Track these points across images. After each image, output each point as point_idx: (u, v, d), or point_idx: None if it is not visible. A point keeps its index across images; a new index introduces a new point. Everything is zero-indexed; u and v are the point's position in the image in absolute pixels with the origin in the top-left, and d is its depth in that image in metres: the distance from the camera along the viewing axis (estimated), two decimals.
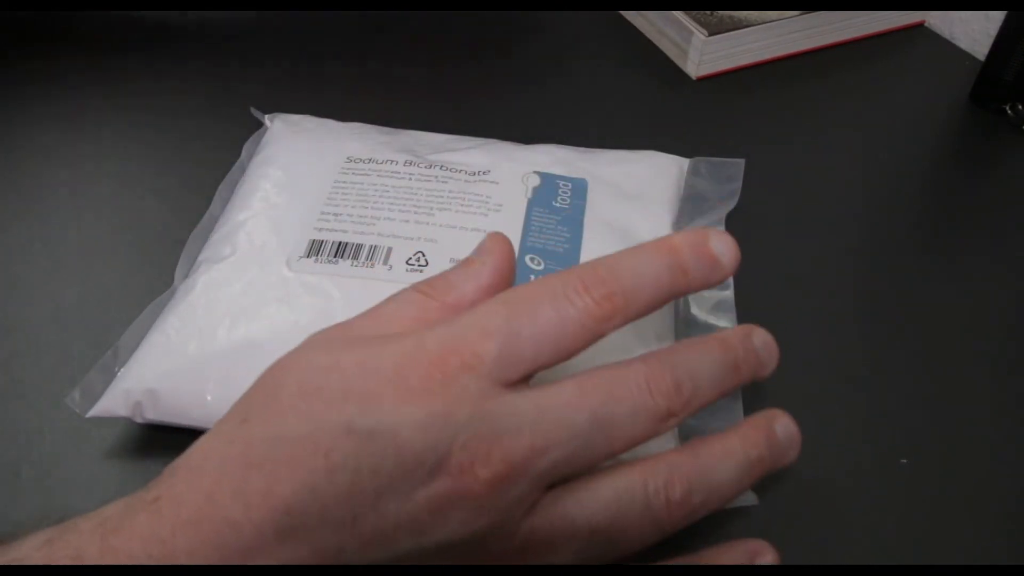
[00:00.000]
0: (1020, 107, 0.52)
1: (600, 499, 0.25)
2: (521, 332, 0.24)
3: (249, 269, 0.36)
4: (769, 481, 0.34)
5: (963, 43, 0.59)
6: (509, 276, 0.28)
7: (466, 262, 0.28)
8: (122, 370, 0.34)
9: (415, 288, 0.27)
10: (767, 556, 0.28)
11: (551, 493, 0.24)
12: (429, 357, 0.23)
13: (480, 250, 0.28)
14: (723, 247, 0.27)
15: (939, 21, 0.61)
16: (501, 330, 0.24)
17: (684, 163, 0.45)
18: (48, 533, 0.22)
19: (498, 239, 0.28)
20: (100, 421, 0.34)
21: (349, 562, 0.22)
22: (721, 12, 0.55)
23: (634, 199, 0.41)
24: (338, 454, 0.22)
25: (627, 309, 0.25)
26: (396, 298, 0.27)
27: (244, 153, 0.45)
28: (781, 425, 0.29)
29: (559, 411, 0.24)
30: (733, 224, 0.43)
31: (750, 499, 0.33)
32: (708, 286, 0.27)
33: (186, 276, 0.38)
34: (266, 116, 0.46)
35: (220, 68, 0.55)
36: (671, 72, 0.56)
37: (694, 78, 0.55)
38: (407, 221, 0.38)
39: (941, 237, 0.45)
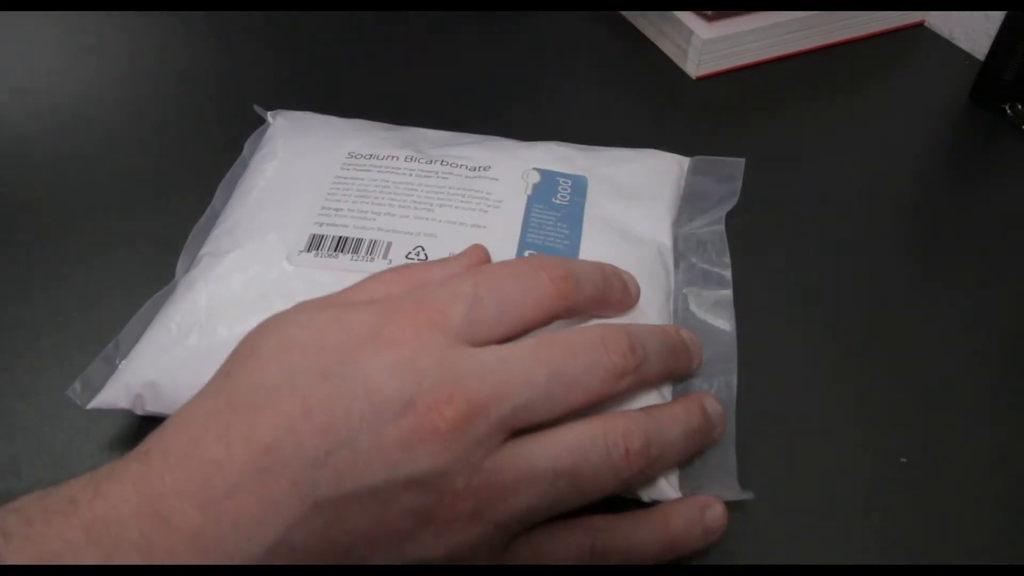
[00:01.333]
0: (1020, 107, 0.52)
1: (562, 444, 0.26)
2: (486, 298, 0.27)
3: (250, 263, 0.36)
4: (769, 480, 0.34)
5: (963, 43, 0.60)
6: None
7: (442, 259, 0.31)
8: (123, 362, 0.34)
9: (393, 269, 0.30)
10: (716, 508, 0.30)
11: (514, 440, 0.26)
12: (401, 313, 0.26)
13: (459, 254, 0.32)
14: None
15: (939, 21, 0.61)
16: (469, 294, 0.27)
17: (685, 162, 0.45)
18: (45, 490, 0.23)
19: (477, 248, 0.32)
20: (101, 413, 0.34)
21: (322, 495, 0.23)
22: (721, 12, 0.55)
23: (634, 197, 0.41)
24: (314, 397, 0.24)
25: (581, 292, 0.30)
26: (375, 276, 0.30)
27: (246, 149, 0.45)
28: (710, 403, 0.32)
29: (519, 363, 0.26)
30: (733, 223, 0.43)
31: (746, 494, 0.33)
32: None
33: (187, 270, 0.38)
34: (268, 113, 0.46)
35: (223, 65, 0.55)
36: (671, 72, 0.56)
37: (694, 78, 0.55)
38: (407, 216, 0.38)
39: (941, 237, 0.45)
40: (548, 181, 0.40)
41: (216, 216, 0.41)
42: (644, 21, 0.59)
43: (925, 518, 0.33)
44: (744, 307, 0.39)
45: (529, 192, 0.40)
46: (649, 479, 0.31)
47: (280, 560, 0.22)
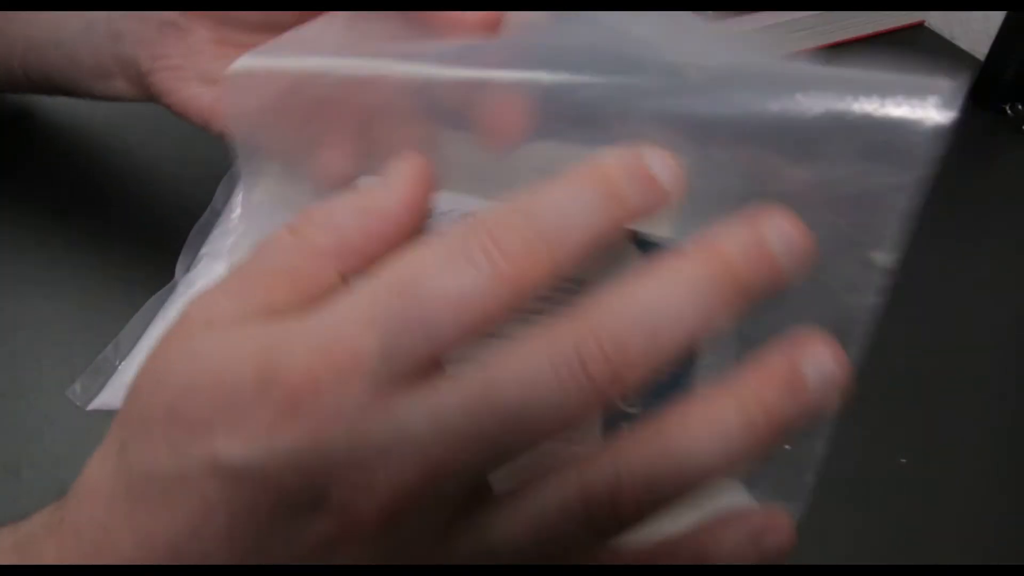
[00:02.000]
0: (1020, 107, 0.52)
1: (527, 522, 0.20)
2: (410, 317, 0.19)
3: None
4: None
5: (963, 43, 0.59)
6: (413, 218, 0.22)
7: (357, 192, 0.22)
8: (123, 363, 0.34)
9: (287, 226, 0.22)
10: (780, 532, 0.23)
11: (467, 516, 0.20)
12: (295, 365, 0.19)
13: (383, 177, 0.22)
14: (661, 165, 0.20)
15: (939, 21, 0.61)
16: (384, 318, 0.19)
17: None
18: None
19: (410, 164, 0.22)
20: (100, 414, 0.34)
21: None
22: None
23: None
24: (211, 494, 0.19)
25: (551, 262, 0.19)
26: (267, 242, 0.22)
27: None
28: (813, 363, 0.21)
29: (459, 419, 0.19)
30: None
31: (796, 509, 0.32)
32: (648, 216, 0.21)
33: (187, 270, 0.38)
34: None
35: None
36: None
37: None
38: None
39: (941, 236, 0.45)
40: None
41: (216, 215, 0.41)
42: None
43: (925, 518, 0.33)
44: None
45: None
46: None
47: None
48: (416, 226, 0.22)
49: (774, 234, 0.20)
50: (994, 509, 0.34)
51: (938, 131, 0.22)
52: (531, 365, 0.19)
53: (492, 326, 0.19)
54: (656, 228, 0.27)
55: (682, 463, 0.19)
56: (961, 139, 0.53)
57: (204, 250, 0.38)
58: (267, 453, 0.19)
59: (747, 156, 0.23)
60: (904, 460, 0.35)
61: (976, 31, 0.59)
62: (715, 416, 0.20)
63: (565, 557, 0.21)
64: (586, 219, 0.20)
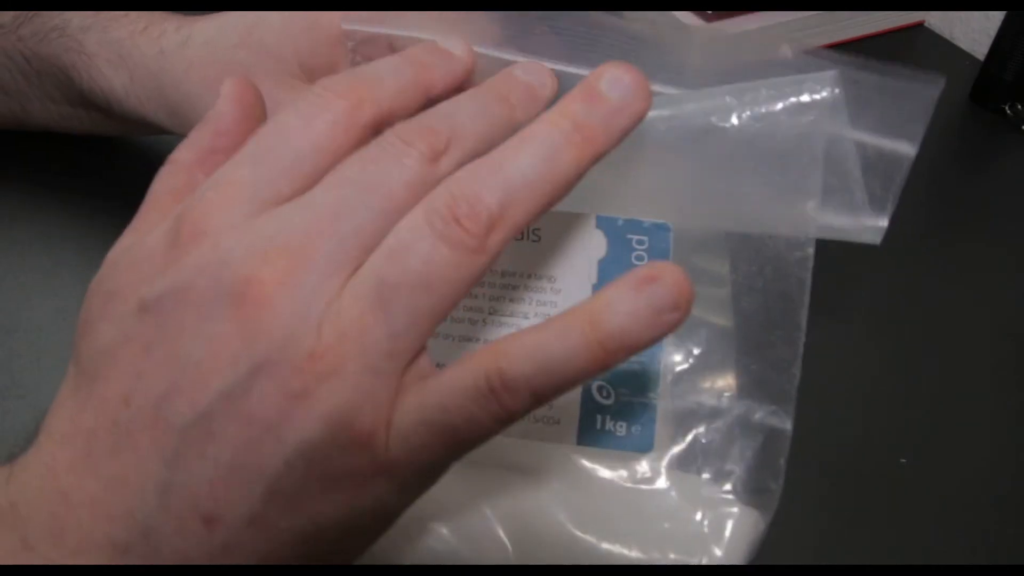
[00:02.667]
0: (1020, 107, 0.52)
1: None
2: (272, 149, 0.23)
3: None
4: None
5: (963, 43, 0.59)
6: (244, 108, 0.26)
7: (204, 121, 0.26)
8: None
9: (165, 162, 0.27)
10: (666, 279, 0.21)
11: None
12: (192, 209, 0.23)
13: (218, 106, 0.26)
14: (532, 74, 0.25)
15: (939, 21, 0.61)
16: (251, 154, 0.23)
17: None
18: None
19: (233, 80, 0.27)
20: None
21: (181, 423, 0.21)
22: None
23: None
24: (146, 334, 0.22)
25: (375, 96, 0.24)
26: (154, 180, 0.27)
27: None
28: (609, 78, 0.23)
29: (323, 202, 0.22)
30: None
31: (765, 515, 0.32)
32: (532, 116, 0.24)
33: None
34: None
35: None
36: None
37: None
38: None
39: (940, 236, 0.45)
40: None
41: None
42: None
43: (925, 518, 0.33)
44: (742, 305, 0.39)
45: None
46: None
47: (175, 498, 0.21)
48: (250, 107, 0.26)
49: (606, 82, 0.23)
50: (994, 509, 0.34)
51: (831, 98, 0.27)
52: (409, 222, 0.21)
53: (340, 156, 0.23)
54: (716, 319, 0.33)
55: (510, 176, 0.22)
56: (961, 139, 0.53)
57: None
58: (178, 273, 0.22)
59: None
60: (904, 460, 0.35)
61: (976, 31, 0.59)
62: (531, 134, 0.22)
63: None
64: (398, 74, 0.25)
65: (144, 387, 0.22)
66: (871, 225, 0.27)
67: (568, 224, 0.30)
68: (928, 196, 0.48)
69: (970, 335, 0.40)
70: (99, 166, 0.47)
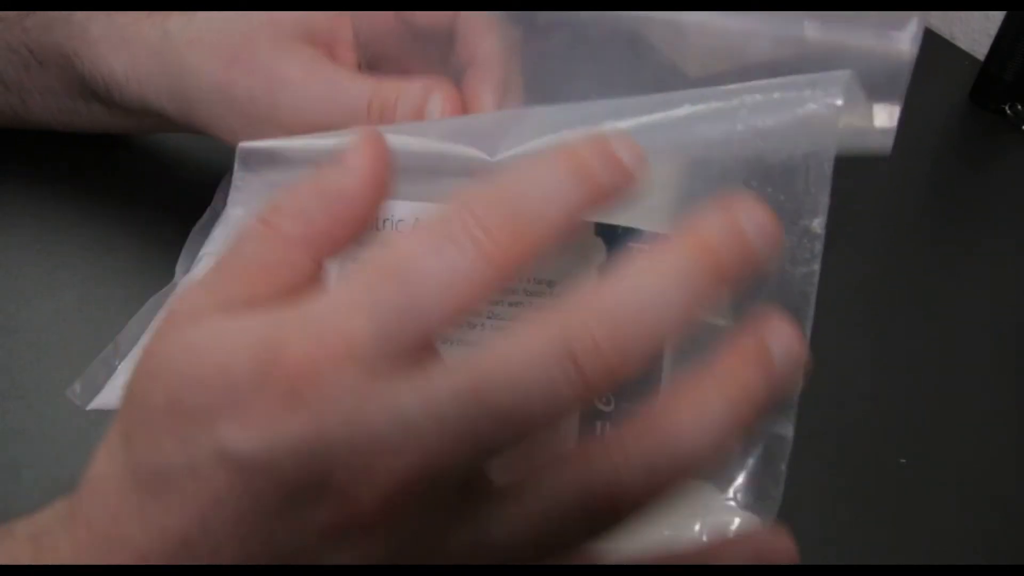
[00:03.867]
0: (1020, 107, 0.52)
1: (526, 517, 0.20)
2: (398, 299, 0.19)
3: None
4: None
5: (963, 43, 0.59)
6: (375, 200, 0.22)
7: (318, 177, 0.22)
8: (123, 363, 0.34)
9: (259, 218, 0.23)
10: (780, 554, 0.23)
11: (465, 502, 0.20)
12: (292, 353, 0.19)
13: (340, 158, 0.22)
14: (626, 148, 0.21)
15: (939, 21, 0.61)
16: (374, 301, 0.19)
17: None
18: None
19: (367, 139, 0.23)
20: (100, 414, 0.34)
21: None
22: None
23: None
24: (217, 484, 0.20)
25: (535, 238, 0.20)
26: (241, 236, 0.23)
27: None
28: (777, 341, 0.21)
29: (451, 410, 0.19)
30: None
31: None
32: (618, 198, 0.21)
33: (187, 270, 0.38)
34: None
35: None
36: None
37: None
38: None
39: (940, 236, 0.45)
40: None
41: (217, 216, 0.41)
42: None
43: (925, 518, 0.33)
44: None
45: None
46: None
47: None
48: (380, 201, 0.22)
49: (749, 221, 0.20)
50: (994, 509, 0.34)
51: (840, 110, 0.26)
52: (522, 359, 0.19)
53: (480, 306, 0.20)
54: (622, 219, 0.29)
55: (676, 452, 0.20)
56: (961, 139, 0.53)
57: (204, 250, 0.38)
58: (270, 442, 0.19)
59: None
60: (904, 460, 0.35)
61: (976, 31, 0.59)
62: (701, 401, 0.20)
63: (562, 555, 0.21)
64: (562, 197, 0.20)
65: (209, 541, 0.20)
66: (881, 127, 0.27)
67: None
68: (928, 196, 0.48)
69: (970, 335, 0.40)
70: (100, 166, 0.47)
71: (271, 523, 0.20)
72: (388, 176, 0.22)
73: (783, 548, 0.23)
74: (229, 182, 0.43)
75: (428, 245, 0.20)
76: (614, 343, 0.19)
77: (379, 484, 0.19)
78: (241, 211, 0.38)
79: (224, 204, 0.41)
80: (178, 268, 0.39)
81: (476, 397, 0.19)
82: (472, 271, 0.20)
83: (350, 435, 0.19)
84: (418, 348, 0.20)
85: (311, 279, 0.22)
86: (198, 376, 0.20)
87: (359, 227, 0.22)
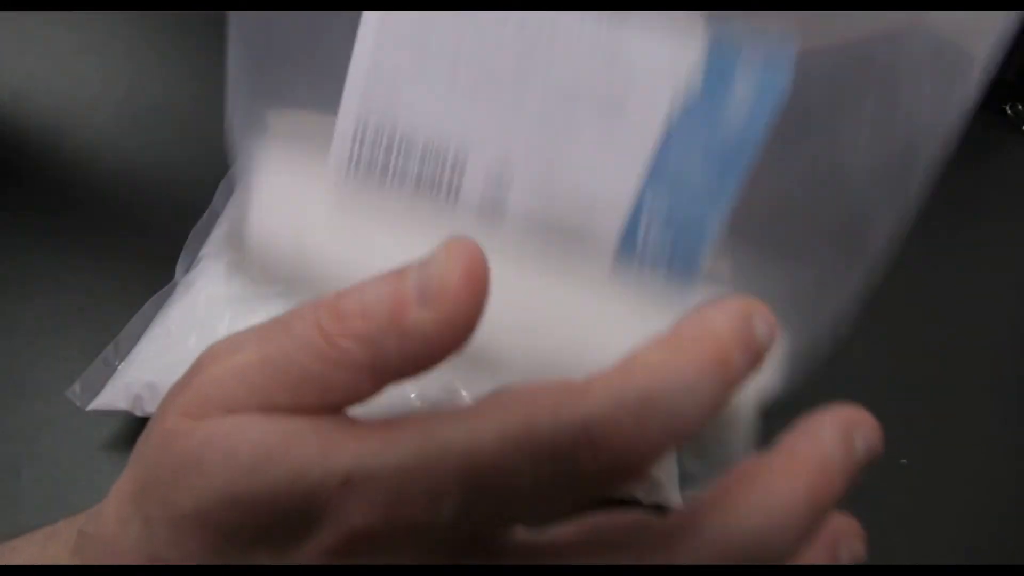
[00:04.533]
0: (1020, 107, 0.52)
1: None
2: (487, 510, 0.18)
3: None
4: None
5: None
6: (460, 339, 0.18)
7: (398, 298, 0.18)
8: (122, 364, 0.34)
9: (319, 327, 0.19)
10: (852, 545, 0.22)
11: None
12: (356, 511, 0.18)
13: (428, 282, 0.18)
14: (765, 328, 0.19)
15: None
16: (457, 502, 0.18)
17: None
18: None
19: (463, 259, 0.18)
20: (100, 414, 0.34)
21: None
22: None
23: None
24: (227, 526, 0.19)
25: (661, 449, 0.18)
26: (295, 337, 0.19)
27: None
28: (863, 438, 0.21)
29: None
30: (732, 221, 0.43)
31: None
32: (748, 380, 0.19)
33: (187, 271, 0.38)
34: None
35: (224, 63, 0.55)
36: None
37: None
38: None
39: (940, 236, 0.45)
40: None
41: (216, 217, 0.41)
42: None
43: (925, 518, 0.33)
44: None
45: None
46: (647, 478, 0.30)
47: None
48: (468, 335, 0.18)
49: (761, 326, 0.19)
50: (994, 509, 0.34)
51: None
52: (528, 435, 0.17)
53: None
54: None
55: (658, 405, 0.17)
56: (961, 139, 0.53)
57: (204, 250, 0.38)
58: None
59: None
60: (904, 460, 0.35)
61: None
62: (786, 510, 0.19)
63: None
64: (702, 403, 0.18)
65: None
66: None
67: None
68: (927, 195, 0.48)
69: (970, 335, 0.40)
70: (100, 167, 0.47)
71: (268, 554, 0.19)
72: (481, 312, 0.18)
73: (856, 531, 0.23)
74: (229, 183, 0.43)
75: (526, 460, 0.17)
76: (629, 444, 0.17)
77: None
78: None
79: (224, 205, 0.41)
80: (178, 268, 0.39)
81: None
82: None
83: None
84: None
85: (365, 400, 0.20)
86: (238, 494, 0.19)
87: (435, 366, 0.19)
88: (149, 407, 0.33)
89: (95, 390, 0.34)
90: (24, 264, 0.41)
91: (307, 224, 0.26)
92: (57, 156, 0.47)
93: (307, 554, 0.18)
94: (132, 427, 0.35)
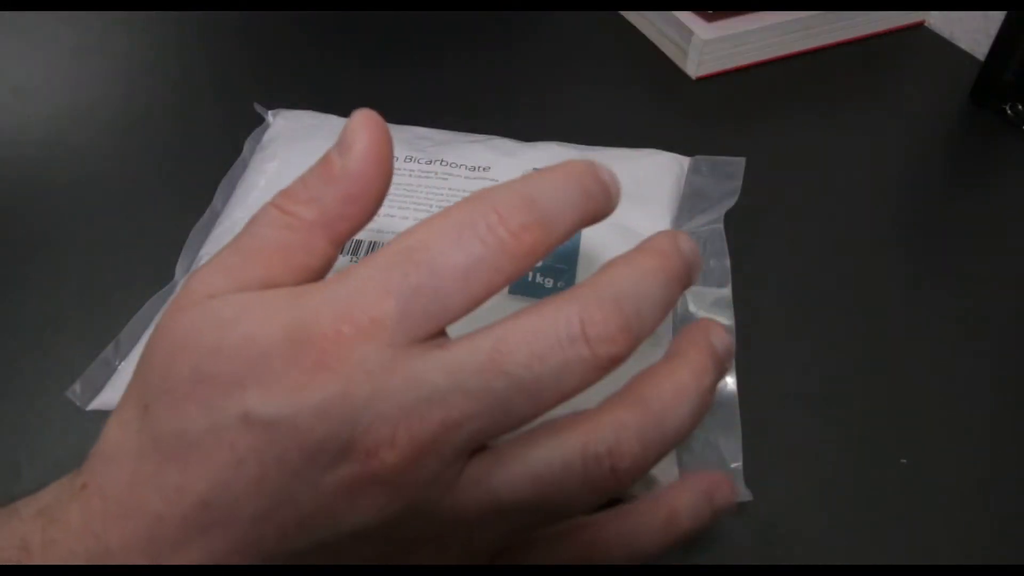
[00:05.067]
0: (1020, 107, 0.52)
1: (530, 473, 0.22)
2: (424, 285, 0.21)
3: None
4: (769, 481, 0.34)
5: (963, 43, 0.59)
6: (380, 176, 0.24)
7: (325, 161, 0.24)
8: (123, 363, 0.34)
9: (273, 204, 0.24)
10: (724, 489, 0.26)
11: (474, 465, 0.22)
12: (321, 328, 0.21)
13: (342, 141, 0.24)
14: (609, 176, 0.24)
15: (939, 21, 0.61)
16: (400, 286, 0.21)
17: (685, 161, 0.45)
18: None
19: (365, 120, 0.24)
20: (101, 414, 0.34)
21: (271, 549, 0.21)
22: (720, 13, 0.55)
23: (634, 196, 0.41)
24: (242, 446, 0.21)
25: (547, 241, 0.22)
26: (258, 220, 0.24)
27: (246, 148, 0.45)
28: (718, 339, 0.25)
29: (472, 378, 0.21)
30: (732, 223, 0.43)
31: (745, 495, 0.33)
32: (603, 216, 0.24)
33: (187, 270, 0.38)
34: (269, 112, 0.46)
35: (223, 63, 0.55)
36: (671, 72, 0.56)
37: (694, 78, 0.55)
38: (406, 218, 0.38)
39: (940, 237, 0.45)
40: None
41: (216, 216, 0.41)
42: (644, 21, 0.59)
43: (925, 518, 0.33)
44: (743, 306, 0.39)
45: None
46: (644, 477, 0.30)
47: None
48: (386, 178, 0.24)
49: (687, 245, 0.24)
50: (994, 509, 0.34)
51: None
52: (540, 336, 0.21)
53: (494, 294, 0.22)
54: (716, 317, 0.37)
55: (666, 426, 0.23)
56: (961, 139, 0.53)
57: (204, 250, 0.38)
58: (298, 406, 0.20)
59: None
60: (904, 460, 0.35)
61: (976, 31, 0.59)
62: (681, 383, 0.23)
63: (561, 513, 0.23)
64: (573, 207, 0.23)
65: (229, 500, 0.21)
66: None
67: None
68: (927, 196, 0.48)
69: (971, 335, 0.40)
70: (100, 167, 0.47)
71: (292, 482, 0.21)
72: (390, 153, 0.24)
73: (726, 483, 0.26)
74: (229, 182, 0.43)
75: (455, 237, 0.21)
76: (619, 321, 0.21)
77: (402, 446, 0.20)
78: (275, 165, 0.42)
79: (224, 205, 0.41)
80: (178, 268, 0.39)
81: (495, 364, 0.21)
82: (491, 262, 0.21)
83: (375, 400, 0.20)
84: (436, 329, 0.21)
85: (328, 261, 0.24)
86: (226, 346, 0.21)
87: (371, 206, 0.24)
88: None
89: (95, 390, 0.34)
90: (24, 264, 0.41)
91: None
92: (57, 155, 0.47)
93: (294, 371, 0.21)
94: None
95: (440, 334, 0.22)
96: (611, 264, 0.23)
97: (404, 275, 0.21)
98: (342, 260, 0.36)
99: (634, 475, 0.23)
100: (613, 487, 0.23)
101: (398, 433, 0.20)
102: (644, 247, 0.23)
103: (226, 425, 0.21)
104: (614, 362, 0.22)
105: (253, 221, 0.24)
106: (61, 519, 0.22)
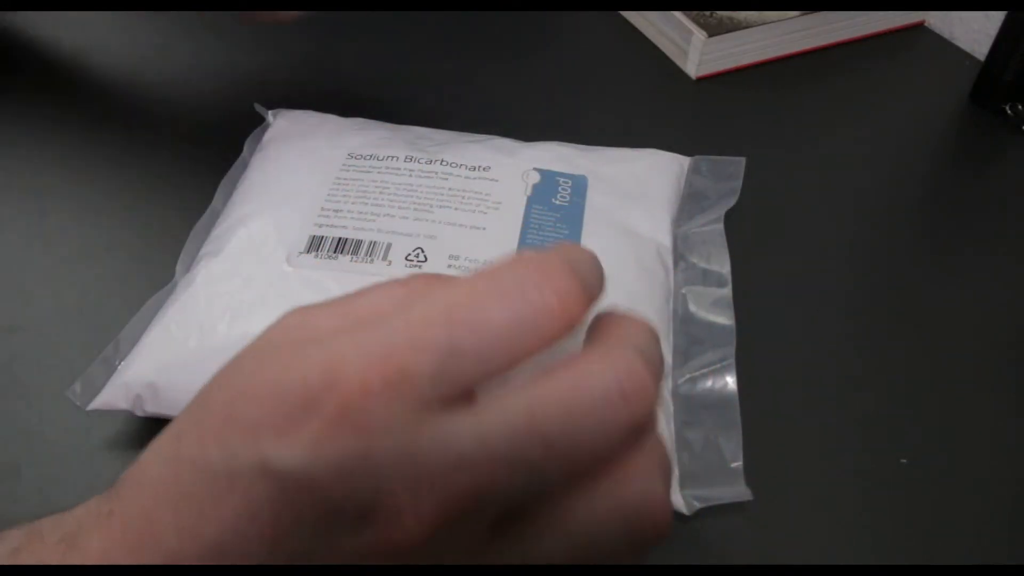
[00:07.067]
0: (1020, 107, 0.52)
1: (570, 545, 0.21)
2: (463, 344, 0.20)
3: (250, 264, 0.36)
4: (768, 481, 0.34)
5: (963, 43, 0.59)
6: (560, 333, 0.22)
7: (514, 300, 0.21)
8: (122, 363, 0.34)
9: (388, 286, 0.23)
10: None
11: (503, 533, 0.21)
12: (349, 378, 0.19)
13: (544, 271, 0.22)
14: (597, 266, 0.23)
15: (939, 21, 0.61)
16: (438, 343, 0.20)
17: (685, 161, 0.45)
18: (15, 539, 0.22)
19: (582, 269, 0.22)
20: (101, 414, 0.34)
21: None
22: (721, 13, 0.55)
23: (634, 196, 0.41)
24: (256, 496, 0.20)
25: (588, 307, 0.22)
26: (366, 292, 0.23)
27: (246, 148, 0.45)
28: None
29: (505, 443, 0.20)
30: (732, 222, 0.43)
31: (745, 495, 0.32)
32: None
33: (187, 270, 0.38)
34: (269, 112, 0.46)
35: (223, 64, 0.55)
36: (671, 72, 0.56)
37: (694, 78, 0.55)
38: (407, 218, 0.38)
39: (941, 237, 0.45)
40: (548, 181, 0.40)
41: (216, 215, 0.41)
42: (644, 21, 0.59)
43: (925, 518, 0.33)
44: (744, 306, 0.39)
45: (529, 193, 0.40)
46: None
47: None
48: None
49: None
50: (994, 509, 0.34)
51: None
52: (577, 396, 0.20)
53: (536, 355, 0.21)
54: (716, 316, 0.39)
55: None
56: (961, 139, 0.53)
57: (204, 250, 0.38)
58: (315, 460, 0.19)
59: None
60: (904, 460, 0.35)
61: (976, 31, 0.59)
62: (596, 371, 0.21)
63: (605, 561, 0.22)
64: (598, 278, 0.22)
65: (243, 549, 0.20)
66: None
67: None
68: (927, 196, 0.48)
69: (970, 335, 0.40)
70: (100, 166, 0.47)
71: (309, 542, 0.20)
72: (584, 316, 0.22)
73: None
74: (229, 182, 0.43)
75: (499, 296, 0.20)
76: (656, 378, 0.21)
77: (426, 512, 0.19)
78: (275, 165, 0.42)
79: (224, 205, 0.41)
80: (178, 268, 0.39)
81: (528, 428, 0.20)
82: (535, 323, 0.20)
83: (398, 462, 0.19)
84: (467, 389, 0.20)
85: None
86: (254, 389, 0.20)
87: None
88: (149, 407, 0.33)
89: (95, 390, 0.34)
90: (24, 264, 0.41)
91: None
92: (57, 155, 0.47)
93: (315, 421, 0.20)
94: (132, 427, 0.35)
95: (471, 392, 0.21)
96: (624, 319, 0.23)
97: (443, 331, 0.20)
98: (338, 258, 0.36)
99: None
100: (653, 535, 0.22)
101: (423, 501, 0.19)
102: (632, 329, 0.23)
103: (241, 472, 0.20)
104: (648, 427, 0.21)
105: (373, 289, 0.23)
106: (82, 547, 0.22)
